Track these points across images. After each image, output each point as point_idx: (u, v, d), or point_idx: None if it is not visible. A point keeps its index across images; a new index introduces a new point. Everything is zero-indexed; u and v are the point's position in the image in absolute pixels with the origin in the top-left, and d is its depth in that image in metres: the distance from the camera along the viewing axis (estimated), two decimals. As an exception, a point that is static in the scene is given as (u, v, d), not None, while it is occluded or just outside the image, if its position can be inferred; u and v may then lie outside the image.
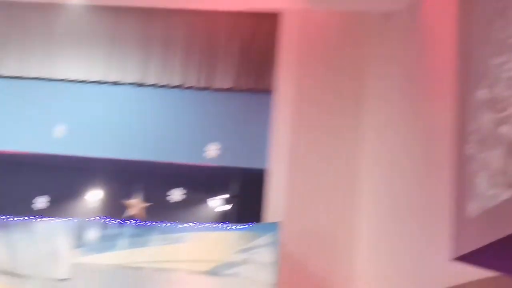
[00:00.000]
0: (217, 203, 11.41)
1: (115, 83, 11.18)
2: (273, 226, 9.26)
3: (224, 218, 10.68)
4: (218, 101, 10.97)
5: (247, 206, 10.29)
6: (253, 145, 10.50)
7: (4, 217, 10.06)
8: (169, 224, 9.75)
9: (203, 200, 11.36)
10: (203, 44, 11.07)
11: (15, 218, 10.03)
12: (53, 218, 10.05)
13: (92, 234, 9.80)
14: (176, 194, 10.11)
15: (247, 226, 9.52)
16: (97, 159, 10.79)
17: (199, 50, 11.07)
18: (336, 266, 9.46)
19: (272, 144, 10.18)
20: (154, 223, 9.82)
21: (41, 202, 10.55)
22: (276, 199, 9.81)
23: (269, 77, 10.58)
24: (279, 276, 8.99)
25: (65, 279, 9.68)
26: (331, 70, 10.06)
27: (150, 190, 10.32)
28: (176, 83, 11.07)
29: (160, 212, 10.08)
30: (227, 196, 11.20)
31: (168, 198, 10.09)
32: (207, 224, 9.92)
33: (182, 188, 10.10)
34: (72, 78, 11.16)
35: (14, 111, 11.05)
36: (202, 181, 10.62)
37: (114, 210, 10.38)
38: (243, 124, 10.77)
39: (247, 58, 10.97)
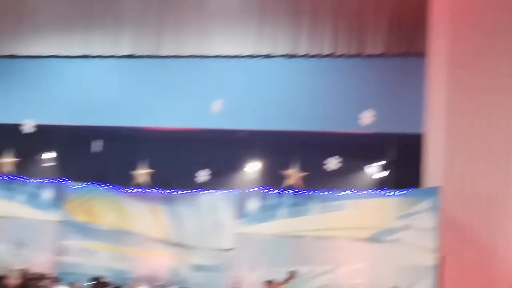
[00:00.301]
0: (374, 170, 11.37)
1: (267, 56, 11.38)
2: (433, 191, 9.12)
3: (382, 185, 10.61)
4: (370, 67, 10.90)
5: (405, 171, 10.16)
6: (408, 110, 10.36)
7: (169, 191, 10.53)
8: (327, 193, 9.82)
9: (359, 168, 11.36)
10: (352, 10, 11.00)
11: (180, 192, 10.48)
12: (215, 190, 10.41)
13: (253, 204, 10.06)
14: (333, 163, 10.11)
15: (406, 191, 9.42)
16: (254, 131, 11.05)
17: (348, 17, 11.02)
18: (499, 229, 9.17)
19: (428, 108, 9.97)
20: (312, 192, 9.93)
21: (203, 175, 10.88)
22: (434, 164, 9.61)
23: (422, 40, 10.33)
24: (440, 241, 8.87)
25: (229, 249, 10.01)
26: (486, 29, 9.66)
27: (306, 159, 10.40)
28: (327, 52, 11.11)
29: (317, 181, 10.15)
30: (384, 162, 11.14)
31: (324, 166, 10.11)
32: (366, 191, 9.90)
33: (338, 156, 10.09)
34: (226, 54, 11.48)
35: (173, 90, 11.52)
36: (358, 148, 10.57)
37: (272, 180, 10.57)
38: (396, 89, 10.65)
39: (398, 22, 10.79)
